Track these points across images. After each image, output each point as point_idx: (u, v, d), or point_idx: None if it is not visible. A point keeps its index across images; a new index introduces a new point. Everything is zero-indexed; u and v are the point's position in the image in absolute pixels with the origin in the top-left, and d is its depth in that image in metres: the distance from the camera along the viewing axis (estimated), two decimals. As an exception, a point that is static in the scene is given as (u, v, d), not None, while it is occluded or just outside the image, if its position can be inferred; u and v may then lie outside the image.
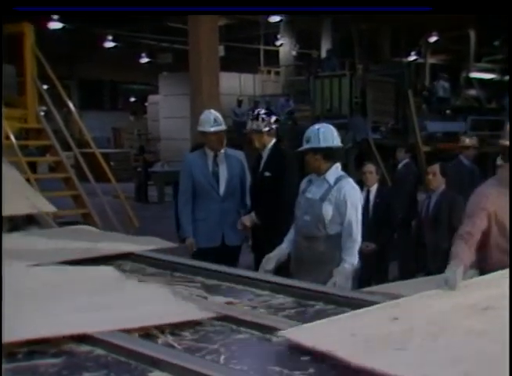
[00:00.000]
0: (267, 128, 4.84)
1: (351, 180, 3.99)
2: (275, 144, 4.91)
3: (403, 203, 6.70)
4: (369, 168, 5.82)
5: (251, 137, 4.92)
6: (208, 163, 4.97)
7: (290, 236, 4.11)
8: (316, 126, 4.04)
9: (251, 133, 4.90)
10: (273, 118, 4.90)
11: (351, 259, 3.88)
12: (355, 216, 3.90)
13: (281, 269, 3.98)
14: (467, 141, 7.78)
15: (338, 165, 4.02)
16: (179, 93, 18.56)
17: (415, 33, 25.37)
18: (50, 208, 4.90)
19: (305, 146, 3.97)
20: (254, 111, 5.08)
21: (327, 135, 3.95)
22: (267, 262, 3.94)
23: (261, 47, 24.53)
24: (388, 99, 17.35)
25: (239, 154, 5.17)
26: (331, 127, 4.04)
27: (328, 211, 3.88)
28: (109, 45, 26.35)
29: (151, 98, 24.48)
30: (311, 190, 4.00)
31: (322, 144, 3.92)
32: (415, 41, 26.42)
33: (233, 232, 4.96)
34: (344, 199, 3.88)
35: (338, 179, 3.94)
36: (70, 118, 15.15)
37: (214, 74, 11.41)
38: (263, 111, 4.96)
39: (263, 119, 4.83)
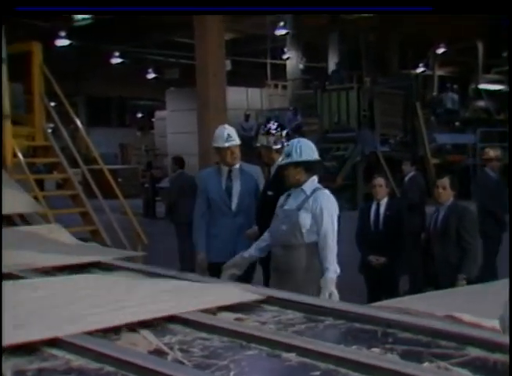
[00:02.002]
0: (277, 144, 4.83)
1: (326, 191, 4.17)
2: None
3: (409, 216, 6.71)
4: (379, 181, 5.83)
5: (261, 152, 4.93)
6: (222, 178, 5.01)
7: (262, 244, 4.29)
8: (295, 141, 4.20)
9: (261, 148, 4.91)
10: (284, 133, 4.89)
11: (334, 267, 4.02)
12: (330, 225, 4.06)
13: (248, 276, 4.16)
14: (491, 153, 7.82)
15: (315, 178, 4.20)
16: (186, 108, 18.64)
17: (422, 45, 25.44)
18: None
19: (286, 160, 4.13)
20: (265, 125, 5.05)
21: (307, 149, 4.13)
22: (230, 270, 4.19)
23: (268, 61, 24.62)
24: (396, 111, 17.36)
25: (255, 170, 5.16)
26: (309, 142, 4.23)
27: (305, 219, 4.04)
28: (115, 61, 26.55)
29: (158, 113, 24.59)
30: (289, 202, 4.17)
31: (304, 158, 4.10)
32: (423, 52, 26.48)
33: (246, 247, 4.99)
34: (319, 209, 4.05)
35: (314, 190, 4.12)
36: (77, 135, 15.24)
37: (221, 88, 11.44)
38: (274, 126, 4.94)
39: (274, 134, 4.83)
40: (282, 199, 4.24)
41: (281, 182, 4.75)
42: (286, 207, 4.15)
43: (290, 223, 4.06)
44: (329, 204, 4.09)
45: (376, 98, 16.80)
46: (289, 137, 4.98)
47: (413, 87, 18.03)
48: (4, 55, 6.90)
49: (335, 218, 4.09)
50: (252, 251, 4.31)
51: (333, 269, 4.00)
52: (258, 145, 4.94)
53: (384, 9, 6.70)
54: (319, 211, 4.04)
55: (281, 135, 4.84)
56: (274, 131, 4.83)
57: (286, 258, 4.07)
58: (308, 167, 4.13)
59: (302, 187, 4.13)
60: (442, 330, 2.43)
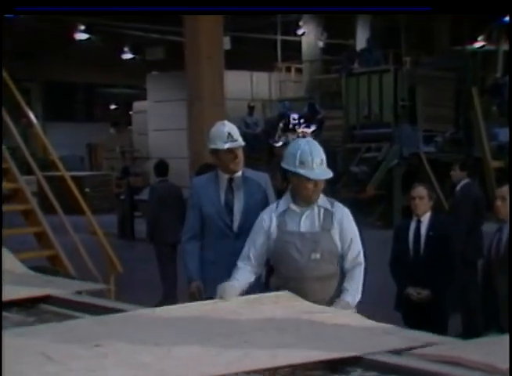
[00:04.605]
0: None
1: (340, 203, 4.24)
2: None
3: (462, 236, 6.70)
4: (420, 191, 5.82)
5: (279, 153, 4.89)
6: (221, 190, 4.99)
7: (245, 274, 4.18)
8: (306, 144, 4.08)
9: (281, 148, 4.86)
10: (311, 130, 4.87)
11: (356, 293, 4.12)
12: (360, 242, 4.19)
13: None
14: None
15: None
16: (173, 99, 18.69)
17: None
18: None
19: (321, 170, 4.03)
20: (288, 120, 4.99)
21: (322, 153, 4.08)
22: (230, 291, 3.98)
23: (279, 37, 24.72)
24: (446, 100, 17.37)
25: (263, 177, 5.15)
26: (315, 142, 4.18)
27: (338, 240, 4.12)
28: (81, 36, 26.60)
29: (137, 105, 24.68)
30: (302, 223, 4.14)
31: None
32: (483, 22, 26.27)
33: None
34: (346, 224, 4.15)
35: (331, 203, 4.18)
36: (30, 133, 15.31)
37: (218, 73, 11.49)
38: (301, 120, 4.89)
39: (299, 131, 4.81)
40: (272, 219, 4.18)
41: None
42: (302, 229, 4.13)
43: (324, 249, 4.09)
44: (350, 217, 4.19)
45: (419, 83, 16.81)
46: (316, 135, 4.95)
47: (469, 67, 18.02)
48: None
49: None
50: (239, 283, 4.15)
51: (353, 294, 4.10)
52: (279, 144, 4.89)
53: (381, 9, 6.97)
54: (347, 227, 4.14)
55: (307, 132, 4.82)
56: (301, 127, 4.80)
57: (322, 291, 4.10)
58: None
59: (318, 202, 4.14)
60: (505, 387, 2.43)
